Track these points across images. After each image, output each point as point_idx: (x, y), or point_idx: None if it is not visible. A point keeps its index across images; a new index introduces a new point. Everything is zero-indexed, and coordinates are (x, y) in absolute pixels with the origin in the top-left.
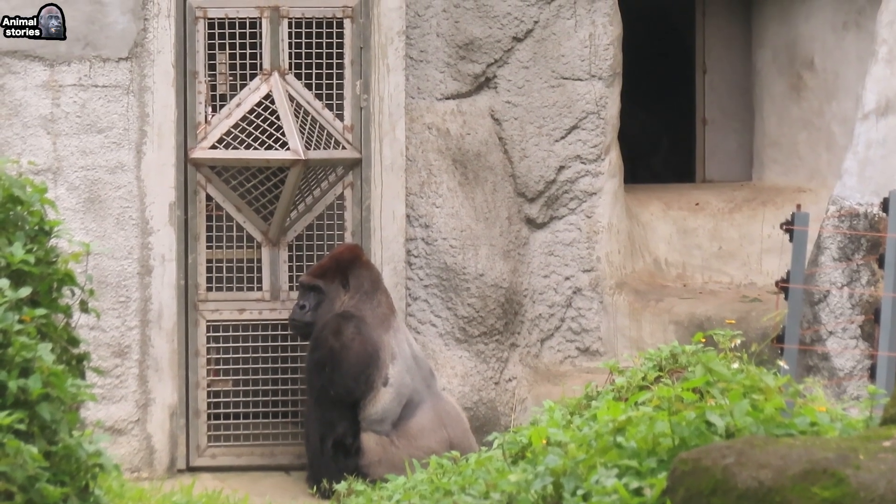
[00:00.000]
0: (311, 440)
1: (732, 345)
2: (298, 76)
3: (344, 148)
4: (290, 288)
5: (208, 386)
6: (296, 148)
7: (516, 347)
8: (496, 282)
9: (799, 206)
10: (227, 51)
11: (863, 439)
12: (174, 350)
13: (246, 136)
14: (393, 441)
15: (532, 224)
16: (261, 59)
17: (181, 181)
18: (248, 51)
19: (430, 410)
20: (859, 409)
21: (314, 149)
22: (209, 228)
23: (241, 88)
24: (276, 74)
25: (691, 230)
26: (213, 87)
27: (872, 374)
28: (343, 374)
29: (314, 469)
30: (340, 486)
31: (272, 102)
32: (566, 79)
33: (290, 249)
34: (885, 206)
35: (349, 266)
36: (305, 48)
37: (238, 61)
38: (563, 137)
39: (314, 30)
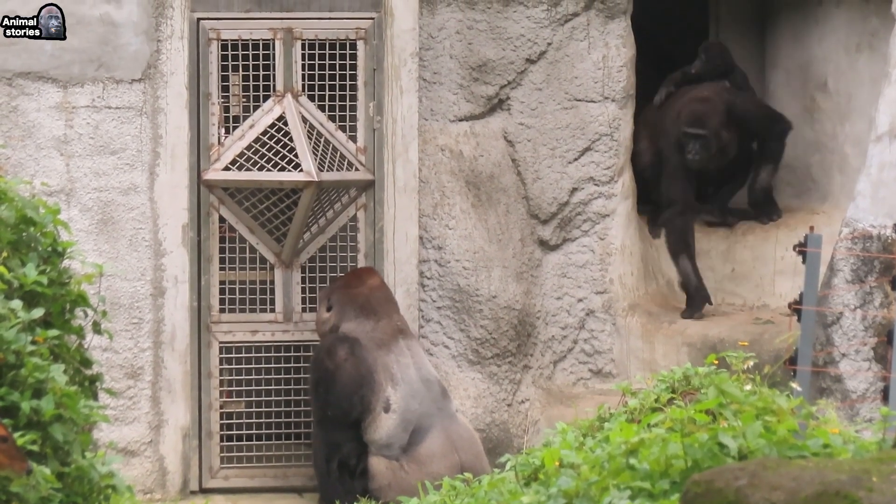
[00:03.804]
0: (318, 461)
1: (745, 367)
2: (311, 98)
3: (357, 169)
4: (303, 310)
5: (221, 407)
6: (309, 169)
7: (529, 369)
8: (509, 304)
9: (812, 228)
10: (241, 72)
11: (876, 461)
12: (187, 371)
13: (259, 157)
14: (402, 466)
15: (545, 246)
16: (274, 80)
17: (194, 203)
18: (262, 72)
19: (441, 435)
20: (872, 432)
21: (327, 170)
22: (222, 250)
23: (254, 110)
24: (289, 96)
25: (704, 252)
26: (227, 109)
27: (885, 396)
28: (336, 394)
29: (323, 491)
30: None
31: (285, 124)
32: (579, 101)
33: (303, 271)
34: None
35: None
36: (318, 70)
37: (251, 83)
38: (576, 159)
39: (327, 51)
